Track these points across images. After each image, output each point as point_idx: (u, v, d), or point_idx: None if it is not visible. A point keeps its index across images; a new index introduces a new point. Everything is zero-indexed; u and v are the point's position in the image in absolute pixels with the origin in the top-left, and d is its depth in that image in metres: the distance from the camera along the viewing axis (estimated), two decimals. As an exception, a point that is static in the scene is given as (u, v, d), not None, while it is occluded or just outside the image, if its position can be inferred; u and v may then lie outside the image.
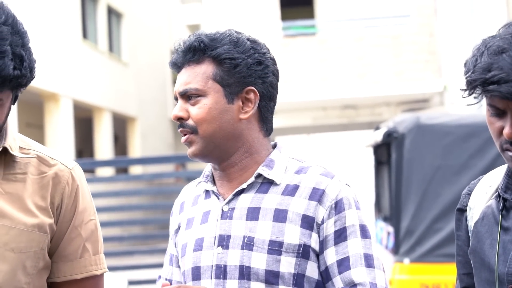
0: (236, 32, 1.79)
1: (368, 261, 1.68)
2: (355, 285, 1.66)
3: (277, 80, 1.82)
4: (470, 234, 1.68)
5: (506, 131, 1.51)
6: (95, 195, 8.91)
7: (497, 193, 1.62)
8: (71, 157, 15.85)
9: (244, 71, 1.74)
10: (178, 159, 10.51)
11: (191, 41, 1.76)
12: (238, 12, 13.82)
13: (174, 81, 21.32)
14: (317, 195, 1.70)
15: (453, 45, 13.32)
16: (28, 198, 1.64)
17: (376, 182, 5.87)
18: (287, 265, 1.67)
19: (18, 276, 1.60)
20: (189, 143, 1.75)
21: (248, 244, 1.69)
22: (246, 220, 1.72)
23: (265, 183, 1.75)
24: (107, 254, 8.70)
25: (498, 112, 1.53)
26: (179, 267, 1.87)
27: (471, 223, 1.68)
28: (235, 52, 1.74)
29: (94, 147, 18.87)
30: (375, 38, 13.45)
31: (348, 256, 1.67)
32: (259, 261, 1.68)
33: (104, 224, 9.98)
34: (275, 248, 1.67)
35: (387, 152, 5.28)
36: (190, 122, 1.74)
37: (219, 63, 1.74)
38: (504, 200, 1.59)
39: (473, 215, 1.68)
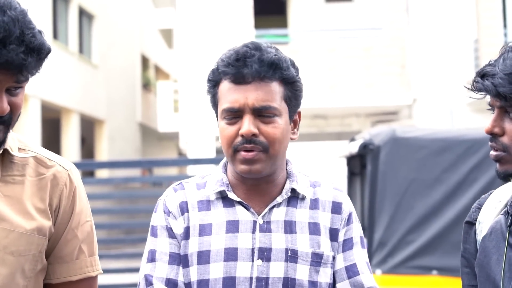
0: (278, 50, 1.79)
1: (369, 268, 1.83)
2: None
3: None
4: (478, 247, 1.70)
5: (485, 126, 1.57)
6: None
7: (506, 209, 1.63)
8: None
9: (301, 93, 1.80)
10: (148, 163, 10.45)
11: (271, 58, 1.71)
12: (212, 18, 13.81)
13: (144, 85, 20.91)
14: (338, 209, 1.82)
15: (423, 59, 13.46)
16: (27, 200, 1.62)
17: (349, 193, 5.91)
18: (324, 275, 1.77)
19: (16, 280, 1.59)
20: (255, 160, 1.71)
21: (292, 256, 1.74)
22: (285, 233, 1.75)
23: (293, 197, 1.80)
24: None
25: (492, 110, 1.58)
26: (185, 267, 1.76)
27: (479, 237, 1.70)
28: (295, 73, 1.77)
29: (60, 148, 18.65)
30: (347, 50, 13.55)
31: (355, 263, 1.79)
32: (303, 272, 1.74)
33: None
34: (317, 260, 1.75)
35: (360, 163, 5.32)
36: (262, 139, 1.71)
37: (286, 84, 1.75)
38: None
39: (482, 229, 1.70)
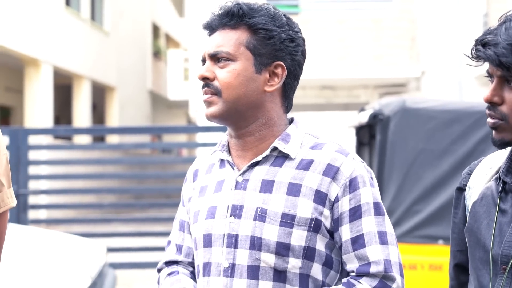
0: (273, 7, 1.78)
1: (382, 238, 1.69)
2: (369, 263, 1.67)
3: (304, 61, 1.80)
4: (467, 213, 1.70)
5: (484, 95, 1.55)
6: (72, 162, 8.83)
7: (498, 175, 1.63)
8: (48, 123, 15.70)
9: (277, 44, 1.73)
10: (158, 130, 10.46)
11: (230, 7, 1.74)
12: (223, -13, 13.70)
13: (155, 54, 21.02)
14: (331, 172, 1.70)
15: (432, 33, 13.36)
16: None
17: (356, 163, 5.90)
18: (298, 238, 1.67)
19: None
20: (209, 103, 1.74)
21: (261, 215, 1.69)
22: (260, 192, 1.71)
23: (280, 157, 1.75)
24: (86, 221, 8.67)
25: (491, 78, 1.56)
26: (190, 233, 1.87)
27: (469, 202, 1.70)
28: (271, 24, 1.73)
29: (72, 114, 18.70)
30: (357, 21, 13.45)
31: (363, 234, 1.68)
32: (271, 232, 1.67)
33: (81, 191, 9.88)
34: (287, 221, 1.67)
35: (369, 133, 5.30)
36: (215, 83, 1.73)
37: (254, 32, 1.73)
38: (504, 183, 1.60)
39: (471, 195, 1.69)
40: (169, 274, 1.86)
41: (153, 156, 22.65)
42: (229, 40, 1.73)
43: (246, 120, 1.74)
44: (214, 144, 8.41)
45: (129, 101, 22.09)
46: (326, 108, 14.69)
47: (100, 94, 21.19)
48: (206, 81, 1.73)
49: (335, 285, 1.72)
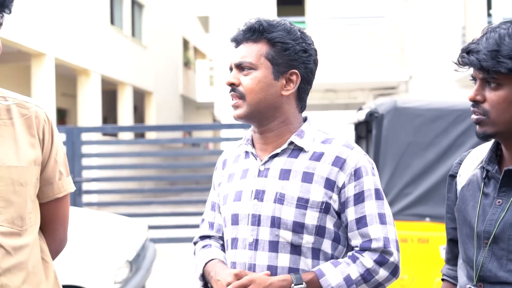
0: (289, 23, 1.77)
1: (382, 219, 1.69)
2: (371, 240, 1.67)
3: (316, 68, 1.79)
4: (457, 196, 1.69)
5: (469, 94, 1.54)
6: (118, 154, 8.88)
7: (482, 164, 1.62)
8: (97, 122, 15.78)
9: (292, 55, 1.72)
10: (189, 127, 10.47)
11: (253, 23, 1.73)
12: (241, 7, 13.69)
13: (185, 64, 20.95)
14: (339, 163, 1.69)
15: (418, 43, 13.26)
16: (21, 138, 1.61)
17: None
18: (311, 218, 1.67)
19: (28, 204, 1.60)
20: (236, 107, 1.74)
21: (280, 199, 1.69)
22: (279, 179, 1.71)
23: (296, 150, 1.74)
24: (130, 204, 8.72)
25: (474, 81, 1.55)
26: (220, 213, 1.87)
27: (459, 187, 1.69)
28: (287, 38, 1.72)
29: (117, 115, 18.77)
30: (355, 34, 13.37)
31: (365, 215, 1.68)
32: (288, 213, 1.67)
33: (125, 179, 9.92)
34: (302, 203, 1.67)
35: (366, 129, 5.27)
36: (240, 88, 1.72)
37: (272, 45, 1.72)
38: (487, 171, 1.59)
39: (461, 181, 1.68)
40: (203, 246, 1.87)
41: (185, 149, 22.69)
42: (251, 52, 1.72)
43: (267, 119, 1.74)
44: (235, 139, 8.44)
45: (164, 104, 22.13)
46: (329, 108, 14.63)
47: (140, 98, 21.24)
48: (233, 86, 1.73)
49: (342, 258, 1.72)
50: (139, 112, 22.51)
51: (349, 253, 1.70)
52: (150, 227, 7.75)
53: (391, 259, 1.67)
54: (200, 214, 8.22)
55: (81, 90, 15.65)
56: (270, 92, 1.72)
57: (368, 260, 1.66)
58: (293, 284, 1.62)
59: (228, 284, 1.63)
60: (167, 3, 23.18)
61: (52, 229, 1.74)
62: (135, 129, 9.78)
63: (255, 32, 1.72)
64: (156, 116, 20.91)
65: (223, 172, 1.87)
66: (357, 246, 1.69)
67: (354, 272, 1.65)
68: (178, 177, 10.18)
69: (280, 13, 14.50)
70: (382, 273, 1.66)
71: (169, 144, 19.68)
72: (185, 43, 26.33)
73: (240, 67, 1.73)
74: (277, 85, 1.73)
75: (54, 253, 1.78)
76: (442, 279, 1.81)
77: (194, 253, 1.90)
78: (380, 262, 1.66)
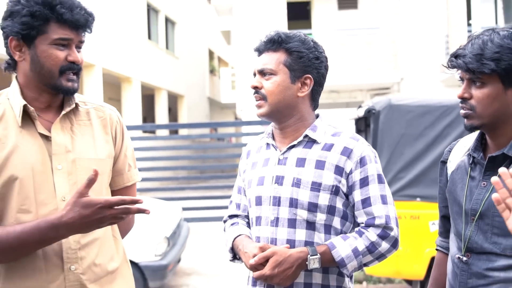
0: (304, 34, 1.76)
1: (383, 199, 1.69)
2: (374, 217, 1.68)
3: (327, 73, 1.79)
4: (448, 179, 1.67)
5: (457, 93, 1.52)
6: (156, 148, 8.91)
7: (468, 152, 1.61)
8: (138, 121, 15.86)
9: (306, 62, 1.73)
10: (215, 124, 10.46)
11: (272, 35, 1.74)
12: (257, 23, 13.64)
13: (211, 71, 20.89)
14: (347, 152, 1.70)
15: (409, 50, 13.13)
16: (99, 136, 1.63)
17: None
18: (323, 199, 1.67)
19: (103, 191, 1.63)
20: (259, 106, 1.73)
21: (297, 183, 1.69)
22: (296, 166, 1.72)
23: (310, 142, 1.75)
24: (166, 189, 8.74)
25: (462, 81, 1.53)
26: (245, 195, 1.88)
27: (449, 172, 1.67)
28: (302, 47, 1.72)
29: (154, 115, 18.86)
30: (354, 43, 13.26)
31: (369, 197, 1.68)
32: (304, 195, 1.68)
33: (162, 169, 9.96)
34: (316, 187, 1.68)
35: (365, 123, 5.23)
36: (262, 91, 1.73)
37: (289, 53, 1.72)
38: (473, 157, 1.58)
39: (451, 166, 1.67)
40: (232, 224, 1.88)
41: (211, 143, 22.75)
42: (271, 60, 1.72)
43: (285, 117, 1.75)
44: (255, 134, 8.42)
45: (194, 105, 22.20)
46: (332, 106, 14.55)
47: (173, 100, 21.32)
48: (256, 89, 1.73)
49: (350, 233, 1.72)
50: (173, 112, 22.61)
51: (356, 229, 1.70)
52: (184, 209, 7.78)
53: (392, 233, 1.67)
54: (226, 197, 8.23)
55: (125, 94, 15.76)
56: (287, 94, 1.72)
57: (372, 234, 1.66)
58: (309, 255, 1.62)
59: (254, 256, 1.63)
60: (196, 21, 23.20)
61: None
62: (169, 127, 9.82)
63: (275, 43, 1.73)
64: (187, 115, 20.99)
65: (248, 161, 1.88)
66: (362, 223, 1.69)
67: (361, 244, 1.65)
68: (207, 167, 10.22)
69: (290, 27, 14.41)
70: (384, 245, 1.66)
71: (198, 138, 19.72)
72: (211, 54, 26.36)
73: (262, 72, 1.73)
74: (294, 88, 1.73)
75: (124, 232, 1.79)
76: (436, 249, 1.81)
77: (224, 230, 1.91)
78: (383, 236, 1.66)
